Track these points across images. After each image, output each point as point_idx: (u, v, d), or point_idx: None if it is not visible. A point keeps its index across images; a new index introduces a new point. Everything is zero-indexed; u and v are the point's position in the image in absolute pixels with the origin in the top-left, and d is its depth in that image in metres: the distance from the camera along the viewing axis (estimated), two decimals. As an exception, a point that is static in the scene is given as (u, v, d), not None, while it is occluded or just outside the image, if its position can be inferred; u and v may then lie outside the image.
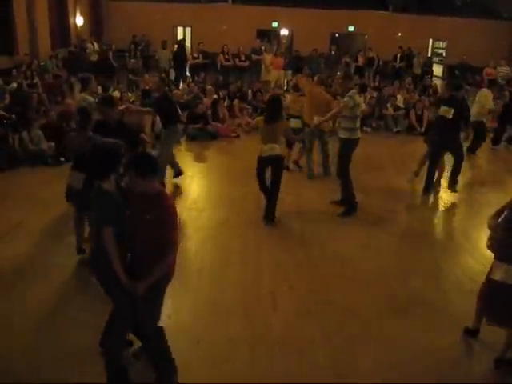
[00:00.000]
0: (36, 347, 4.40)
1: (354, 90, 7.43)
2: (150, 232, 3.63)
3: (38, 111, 12.10)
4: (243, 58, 18.01)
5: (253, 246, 6.49)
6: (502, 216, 4.35)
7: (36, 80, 14.06)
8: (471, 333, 4.78)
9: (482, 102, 11.09)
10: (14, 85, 12.75)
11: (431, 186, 8.65)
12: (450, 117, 8.09)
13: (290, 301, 5.32)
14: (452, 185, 8.54)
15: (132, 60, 17.42)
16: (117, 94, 12.94)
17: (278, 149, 6.93)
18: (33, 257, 5.96)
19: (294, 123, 8.91)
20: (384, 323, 5.01)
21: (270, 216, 7.15)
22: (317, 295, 5.44)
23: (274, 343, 4.59)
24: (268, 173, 7.16)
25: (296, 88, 9.72)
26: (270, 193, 7.11)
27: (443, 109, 8.23)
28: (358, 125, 7.38)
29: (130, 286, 3.71)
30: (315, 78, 9.25)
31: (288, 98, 8.16)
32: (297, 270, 5.98)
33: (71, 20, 20.45)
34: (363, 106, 8.95)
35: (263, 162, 7.01)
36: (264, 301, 5.28)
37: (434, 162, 8.50)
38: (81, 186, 5.51)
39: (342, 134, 7.38)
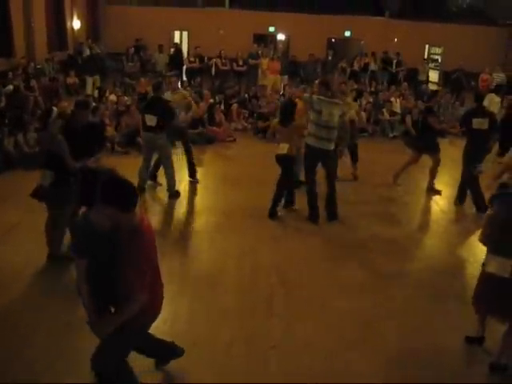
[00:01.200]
0: (33, 348, 4.39)
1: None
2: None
3: (33, 114, 12.07)
4: (241, 62, 18.03)
5: (249, 250, 6.50)
6: (488, 212, 4.56)
7: (33, 83, 14.04)
8: (476, 341, 4.77)
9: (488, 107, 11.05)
10: (11, 87, 12.71)
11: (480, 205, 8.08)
12: (486, 127, 7.96)
13: (286, 305, 5.32)
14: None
15: (129, 63, 17.41)
16: (113, 97, 12.94)
17: (286, 149, 7.18)
18: (28, 259, 5.94)
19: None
20: (381, 325, 5.02)
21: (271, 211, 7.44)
22: (314, 300, 5.44)
23: (269, 347, 4.59)
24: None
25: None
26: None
27: (477, 121, 7.99)
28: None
29: (94, 324, 3.41)
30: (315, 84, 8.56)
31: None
32: (294, 273, 5.98)
33: (68, 23, 20.44)
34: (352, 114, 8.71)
35: (276, 161, 7.41)
36: (260, 305, 5.28)
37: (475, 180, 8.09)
38: (47, 184, 5.64)
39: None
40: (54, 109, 5.90)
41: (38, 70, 15.67)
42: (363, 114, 9.08)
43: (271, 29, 23.73)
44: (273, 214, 7.43)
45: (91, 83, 15.94)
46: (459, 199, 8.45)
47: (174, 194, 8.10)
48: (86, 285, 3.35)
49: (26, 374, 4.09)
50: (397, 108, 13.96)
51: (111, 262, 3.29)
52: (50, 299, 5.18)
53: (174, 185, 8.15)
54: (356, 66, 19.61)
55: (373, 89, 17.13)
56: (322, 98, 7.16)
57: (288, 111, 7.33)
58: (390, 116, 13.57)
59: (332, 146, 7.28)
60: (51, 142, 5.69)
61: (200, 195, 8.60)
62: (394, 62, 19.66)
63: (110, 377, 3.51)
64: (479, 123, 7.98)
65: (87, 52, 18.03)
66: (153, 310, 3.63)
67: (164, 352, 4.21)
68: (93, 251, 3.27)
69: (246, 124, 13.09)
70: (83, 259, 3.31)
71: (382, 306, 5.41)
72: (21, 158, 9.27)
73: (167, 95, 8.56)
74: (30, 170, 8.84)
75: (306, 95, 7.51)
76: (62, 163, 5.64)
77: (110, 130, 10.83)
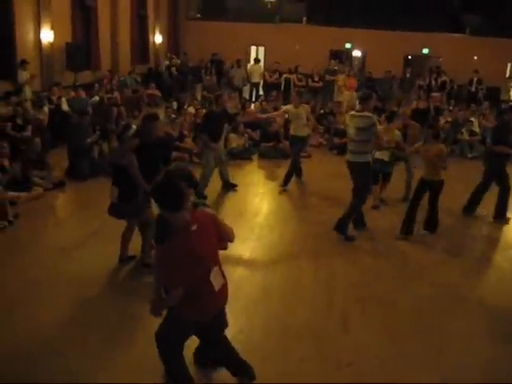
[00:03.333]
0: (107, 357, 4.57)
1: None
2: None
3: (117, 124, 12.60)
4: (317, 78, 18.09)
5: (325, 265, 6.49)
6: None
7: (116, 94, 14.67)
8: None
9: None
10: (97, 98, 13.35)
11: None
12: None
13: (361, 323, 5.28)
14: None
15: (207, 77, 17.86)
16: (191, 109, 13.31)
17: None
18: (106, 262, 6.19)
19: (382, 154, 8.36)
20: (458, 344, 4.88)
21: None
22: (390, 318, 5.37)
23: (344, 365, 4.57)
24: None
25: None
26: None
27: None
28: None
29: (150, 303, 3.82)
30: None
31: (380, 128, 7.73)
32: (370, 290, 5.94)
33: (151, 38, 21.26)
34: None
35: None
36: (335, 322, 5.27)
37: None
38: (115, 200, 5.82)
39: None
40: (133, 126, 5.97)
41: (121, 82, 16.36)
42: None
43: (347, 45, 23.68)
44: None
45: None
46: None
47: (199, 195, 8.04)
48: None
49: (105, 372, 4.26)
50: (476, 127, 13.55)
51: None
52: (123, 304, 5.38)
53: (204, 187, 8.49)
54: (433, 84, 19.24)
55: (451, 107, 16.72)
56: (353, 113, 7.27)
57: None
58: (470, 136, 13.18)
59: (362, 159, 7.11)
60: (122, 157, 5.74)
61: (275, 208, 8.65)
62: (474, 80, 19.14)
63: (163, 355, 3.85)
64: None
65: (165, 65, 18.73)
66: (197, 308, 3.71)
67: (236, 367, 4.24)
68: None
69: (321, 140, 13.10)
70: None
71: (459, 326, 5.27)
72: (104, 166, 9.69)
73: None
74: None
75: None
76: (128, 178, 5.74)
77: (188, 142, 11.14)
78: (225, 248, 4.04)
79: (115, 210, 5.94)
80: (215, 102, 9.05)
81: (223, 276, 3.83)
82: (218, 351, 4.18)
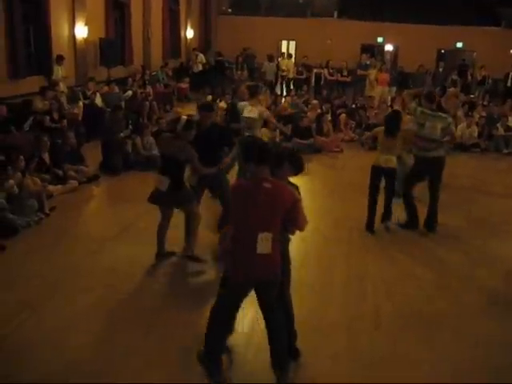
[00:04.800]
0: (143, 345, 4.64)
1: None
2: None
3: (149, 119, 12.74)
4: (345, 72, 17.98)
5: (356, 260, 6.47)
6: None
7: (148, 89, 14.81)
8: None
9: None
10: (130, 93, 13.50)
11: None
12: None
13: (393, 318, 5.24)
14: None
15: (238, 72, 17.89)
16: (223, 104, 13.36)
17: (394, 161, 7.12)
18: (137, 256, 6.23)
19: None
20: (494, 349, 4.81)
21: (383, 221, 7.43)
22: (422, 313, 5.32)
23: (377, 360, 4.55)
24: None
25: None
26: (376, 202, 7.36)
27: None
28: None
29: None
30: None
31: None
32: (402, 285, 5.90)
33: (182, 33, 21.37)
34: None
35: (377, 172, 7.24)
36: (367, 317, 5.25)
37: None
38: (165, 189, 5.78)
39: None
40: (183, 117, 5.97)
41: (153, 76, 16.51)
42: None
43: (379, 39, 23.40)
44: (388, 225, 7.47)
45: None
46: None
47: None
48: None
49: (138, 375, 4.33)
50: (512, 123, 13.31)
51: None
52: (155, 299, 5.45)
53: None
54: (468, 78, 18.94)
55: (485, 102, 16.44)
56: (425, 111, 7.07)
57: (395, 123, 7.14)
58: (505, 131, 12.94)
59: (442, 153, 7.14)
60: (181, 150, 5.71)
61: (307, 203, 8.57)
62: (510, 74, 18.74)
63: (211, 323, 4.15)
64: None
65: (194, 59, 18.92)
66: (239, 267, 3.93)
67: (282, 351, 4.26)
68: None
69: (353, 135, 13.01)
70: None
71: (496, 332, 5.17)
72: (137, 160, 9.81)
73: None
74: (145, 171, 9.39)
75: (413, 105, 7.38)
76: (178, 168, 5.81)
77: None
78: (292, 233, 4.30)
79: (163, 199, 5.91)
80: (233, 94, 8.88)
81: (272, 247, 3.88)
82: (272, 319, 4.18)
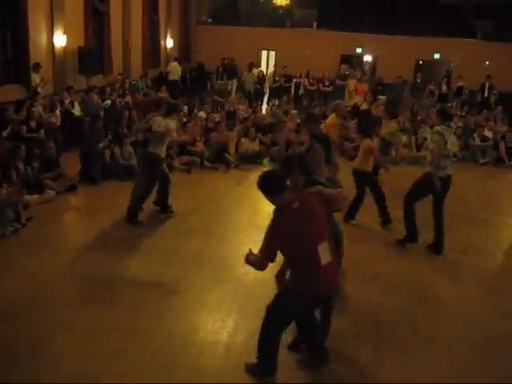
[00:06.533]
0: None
1: None
2: None
3: (128, 128, 12.65)
4: (327, 83, 18.11)
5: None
6: None
7: (128, 98, 14.72)
8: None
9: None
10: (108, 102, 13.41)
11: None
12: None
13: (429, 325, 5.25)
14: None
15: (218, 81, 17.90)
16: (202, 113, 13.35)
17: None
18: (117, 267, 6.19)
19: None
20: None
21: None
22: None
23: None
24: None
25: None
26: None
27: None
28: None
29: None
30: None
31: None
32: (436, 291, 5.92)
33: (162, 42, 21.35)
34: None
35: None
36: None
37: None
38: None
39: None
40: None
41: (132, 86, 16.41)
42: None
43: (358, 50, 23.66)
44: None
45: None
46: None
47: None
48: None
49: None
50: (488, 133, 13.48)
51: None
52: (140, 297, 5.40)
53: None
54: (443, 89, 19.21)
55: (463, 113, 16.66)
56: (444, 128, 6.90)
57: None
58: (482, 141, 13.12)
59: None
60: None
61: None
62: (486, 85, 19.05)
63: (266, 328, 4.16)
64: None
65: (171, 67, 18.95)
66: (304, 281, 3.97)
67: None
68: None
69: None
70: None
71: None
72: (116, 170, 9.73)
73: None
74: (124, 181, 9.34)
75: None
76: None
77: (199, 146, 11.15)
78: (339, 209, 4.79)
79: None
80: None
81: (331, 253, 4.01)
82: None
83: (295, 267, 4.05)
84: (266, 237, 3.96)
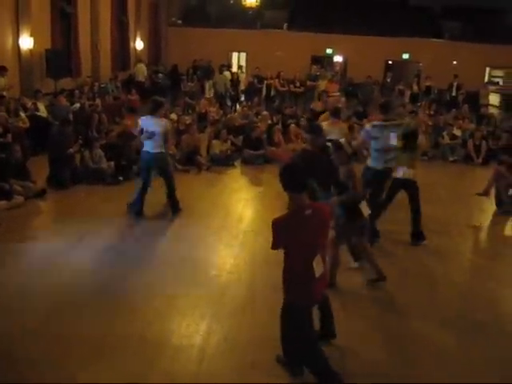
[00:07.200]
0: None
1: None
2: None
3: (98, 131, 12.49)
4: (298, 84, 18.18)
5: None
6: None
7: (97, 101, 14.55)
8: None
9: None
10: (77, 105, 13.22)
11: None
12: None
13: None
14: None
15: (189, 83, 17.82)
16: (174, 116, 13.26)
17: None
18: (88, 274, 6.09)
19: None
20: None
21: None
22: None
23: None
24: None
25: None
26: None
27: None
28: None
29: None
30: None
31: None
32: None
33: (131, 44, 21.15)
34: None
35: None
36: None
37: None
38: None
39: None
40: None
41: (102, 89, 16.23)
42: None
43: (329, 51, 23.82)
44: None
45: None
46: None
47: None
48: None
49: None
50: (457, 131, 13.71)
51: None
52: (111, 306, 5.31)
53: None
54: (414, 89, 19.45)
55: (432, 112, 16.87)
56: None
57: (413, 139, 7.41)
58: (451, 140, 13.32)
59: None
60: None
61: (259, 214, 8.58)
62: (454, 84, 19.36)
63: (301, 353, 4.11)
64: None
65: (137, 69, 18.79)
66: (304, 292, 3.94)
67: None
68: None
69: (303, 145, 13.09)
70: None
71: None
72: (85, 173, 9.59)
73: None
74: (93, 184, 9.23)
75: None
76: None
77: (171, 148, 11.04)
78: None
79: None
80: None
81: (323, 266, 3.98)
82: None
83: (296, 279, 3.94)
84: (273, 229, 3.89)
